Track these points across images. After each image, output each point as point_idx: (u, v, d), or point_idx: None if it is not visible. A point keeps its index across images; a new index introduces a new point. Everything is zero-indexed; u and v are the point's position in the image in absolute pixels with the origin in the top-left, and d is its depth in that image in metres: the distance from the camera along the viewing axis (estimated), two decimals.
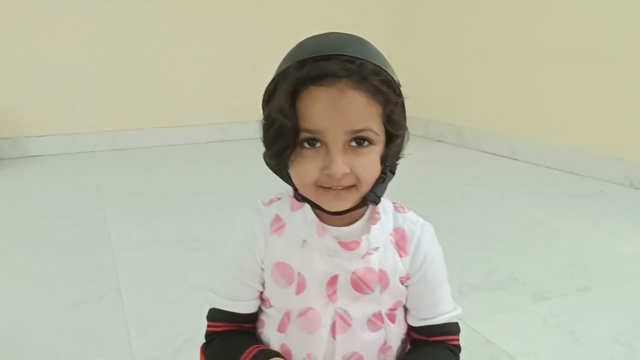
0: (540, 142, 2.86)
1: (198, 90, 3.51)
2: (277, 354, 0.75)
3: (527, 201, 2.26)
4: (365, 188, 0.69)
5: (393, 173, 0.72)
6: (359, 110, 0.64)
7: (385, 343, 0.77)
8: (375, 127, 0.66)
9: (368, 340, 0.76)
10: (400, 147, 0.71)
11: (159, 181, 2.66)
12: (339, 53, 0.64)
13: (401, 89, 0.69)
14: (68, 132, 3.28)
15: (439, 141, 3.55)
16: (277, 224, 0.75)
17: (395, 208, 0.78)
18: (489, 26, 3.13)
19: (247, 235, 0.76)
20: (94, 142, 3.33)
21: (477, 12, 3.20)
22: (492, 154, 3.13)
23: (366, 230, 0.73)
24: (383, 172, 0.70)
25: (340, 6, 3.70)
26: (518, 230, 1.92)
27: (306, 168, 0.67)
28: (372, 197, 0.71)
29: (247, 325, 0.80)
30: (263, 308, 0.80)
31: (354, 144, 0.66)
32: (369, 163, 0.67)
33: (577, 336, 1.22)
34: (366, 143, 0.66)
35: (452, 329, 0.80)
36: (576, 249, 1.74)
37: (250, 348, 0.75)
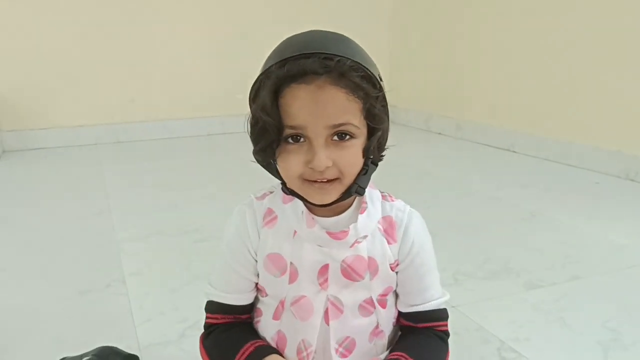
0: (538, 135, 2.89)
1: (199, 83, 3.54)
2: (274, 351, 0.78)
3: (523, 193, 2.29)
4: (348, 180, 0.72)
5: (376, 165, 0.75)
6: (338, 105, 0.67)
7: (377, 327, 0.81)
8: (355, 121, 0.69)
9: (360, 324, 0.79)
10: (382, 140, 0.74)
11: (162, 173, 2.70)
12: (318, 51, 0.67)
13: (382, 83, 0.71)
14: (71, 124, 3.32)
15: (439, 134, 3.58)
16: (269, 216, 0.79)
17: (384, 197, 0.81)
18: (488, 21, 3.15)
19: (240, 228, 0.80)
20: (97, 135, 3.37)
21: (476, 7, 3.22)
22: (490, 146, 3.16)
23: (353, 219, 0.76)
24: (365, 164, 0.73)
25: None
26: (514, 221, 1.96)
27: (291, 162, 0.70)
28: (355, 188, 0.73)
29: (243, 317, 0.84)
30: (260, 297, 0.83)
31: (335, 138, 0.69)
32: (351, 156, 0.70)
33: (567, 322, 1.26)
34: (347, 137, 0.69)
35: (440, 315, 0.83)
36: (570, 239, 1.78)
37: (248, 344, 0.78)
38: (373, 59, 0.73)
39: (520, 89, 2.99)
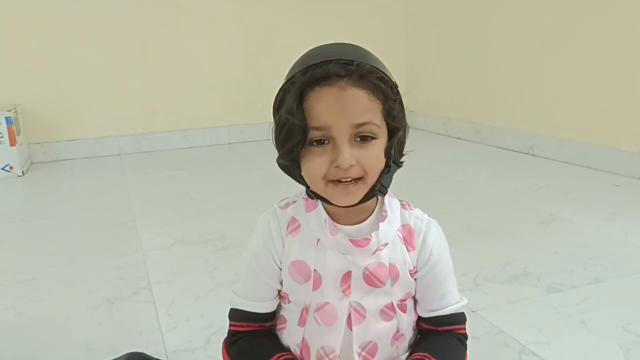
0: (557, 137, 2.88)
1: (219, 93, 3.60)
2: None
3: (543, 196, 2.29)
4: (371, 179, 0.74)
5: (397, 165, 0.78)
6: (360, 104, 0.71)
7: (398, 331, 0.83)
8: (377, 121, 0.72)
9: (382, 329, 0.81)
10: (402, 140, 0.77)
11: (184, 182, 2.75)
12: (338, 57, 0.71)
13: (398, 88, 0.75)
14: (95, 136, 3.40)
15: (458, 138, 3.58)
16: (293, 225, 0.81)
17: (402, 206, 0.83)
18: (505, 24, 3.16)
19: (266, 237, 0.82)
20: (120, 145, 3.44)
21: (493, 10, 3.23)
22: (509, 150, 3.16)
23: (375, 227, 0.79)
24: (387, 163, 0.76)
25: (358, 6, 3.75)
26: (534, 225, 1.96)
27: (316, 163, 0.73)
28: (379, 188, 0.76)
29: (267, 324, 0.86)
30: (282, 305, 0.85)
31: (358, 139, 0.72)
32: (374, 155, 0.73)
33: (588, 325, 1.27)
34: (369, 138, 0.72)
35: (458, 318, 0.86)
36: (590, 242, 1.78)
37: (275, 357, 0.81)
38: (390, 63, 0.78)
39: (539, 91, 2.99)
